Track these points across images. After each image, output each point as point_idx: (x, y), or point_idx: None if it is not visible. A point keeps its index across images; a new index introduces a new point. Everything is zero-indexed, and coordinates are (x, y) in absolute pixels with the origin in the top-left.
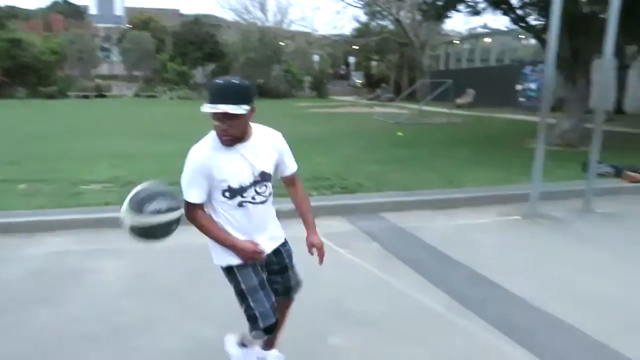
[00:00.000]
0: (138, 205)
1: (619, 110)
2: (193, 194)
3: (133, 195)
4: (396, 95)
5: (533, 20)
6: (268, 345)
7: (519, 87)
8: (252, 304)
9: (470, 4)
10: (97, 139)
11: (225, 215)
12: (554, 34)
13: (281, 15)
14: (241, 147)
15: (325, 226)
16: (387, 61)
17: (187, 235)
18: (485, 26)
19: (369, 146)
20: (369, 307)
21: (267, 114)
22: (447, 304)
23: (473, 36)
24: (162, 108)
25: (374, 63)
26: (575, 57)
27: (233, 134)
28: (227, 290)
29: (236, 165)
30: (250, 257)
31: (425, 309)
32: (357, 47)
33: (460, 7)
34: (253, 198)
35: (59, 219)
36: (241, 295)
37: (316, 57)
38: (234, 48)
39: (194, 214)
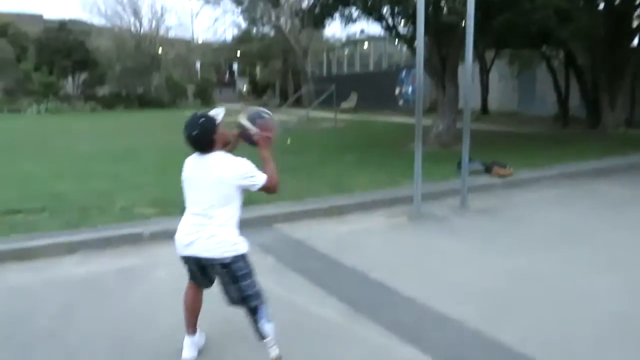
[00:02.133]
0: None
1: (484, 110)
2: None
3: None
4: (283, 102)
5: (402, 29)
6: (193, 328)
7: (397, 90)
8: (256, 281)
9: (345, 12)
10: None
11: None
12: (421, 42)
13: (157, 22)
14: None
15: None
16: (271, 67)
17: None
18: (362, 32)
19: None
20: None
21: (147, 125)
22: (343, 312)
23: (352, 42)
24: (28, 122)
25: (258, 69)
26: (444, 63)
27: None
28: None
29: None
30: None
31: (321, 319)
32: (240, 54)
33: (336, 15)
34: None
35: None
36: (251, 275)
37: (198, 65)
38: (107, 56)
39: (267, 184)
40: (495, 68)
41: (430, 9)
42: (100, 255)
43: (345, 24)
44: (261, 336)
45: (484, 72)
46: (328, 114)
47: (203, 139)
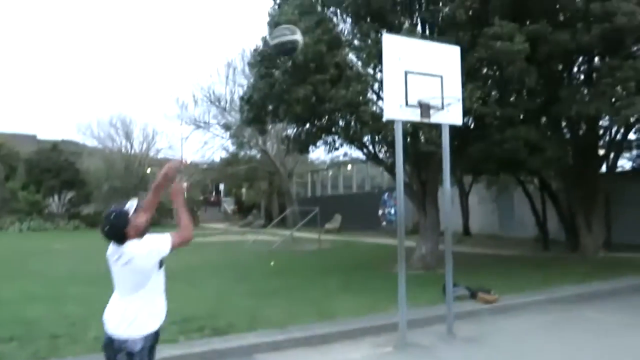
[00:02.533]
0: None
1: (466, 232)
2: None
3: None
4: (267, 222)
5: (383, 155)
6: None
7: (380, 212)
8: None
9: (329, 140)
10: None
11: None
12: (400, 169)
13: (147, 144)
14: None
15: None
16: (257, 188)
17: None
18: (345, 155)
19: (243, 277)
20: None
21: None
22: None
23: (335, 164)
24: (9, 241)
25: (244, 190)
26: (424, 187)
27: None
28: None
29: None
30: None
31: None
32: (226, 175)
33: (320, 142)
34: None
35: None
36: None
37: (185, 185)
38: (96, 175)
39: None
40: (474, 191)
41: (408, 139)
42: None
43: (329, 151)
44: None
45: (464, 196)
46: (312, 235)
47: (115, 233)
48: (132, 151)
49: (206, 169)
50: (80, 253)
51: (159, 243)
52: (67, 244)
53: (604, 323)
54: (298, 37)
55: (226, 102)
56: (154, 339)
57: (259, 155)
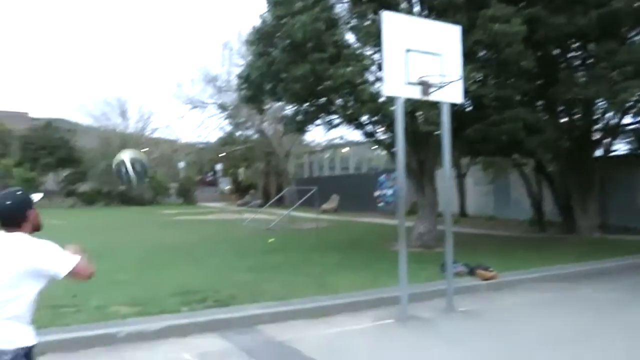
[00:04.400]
0: None
1: (462, 213)
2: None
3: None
4: (265, 202)
5: (381, 135)
6: None
7: (376, 193)
8: None
9: (327, 120)
10: None
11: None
12: (400, 148)
13: (143, 123)
14: None
15: (198, 345)
16: (254, 168)
17: None
18: (342, 137)
19: (241, 253)
20: None
21: (129, 222)
22: None
23: (332, 146)
24: None
25: (241, 170)
26: (422, 168)
27: None
28: None
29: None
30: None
31: None
32: (223, 155)
33: (318, 122)
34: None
35: None
36: None
37: (182, 164)
38: (92, 154)
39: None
40: (470, 173)
41: (406, 118)
42: (72, 358)
43: (327, 130)
44: None
45: (460, 177)
46: (310, 215)
47: (16, 211)
48: (128, 130)
49: (202, 149)
50: (77, 230)
51: (58, 254)
52: (65, 221)
53: (599, 300)
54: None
55: (223, 82)
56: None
57: (256, 136)
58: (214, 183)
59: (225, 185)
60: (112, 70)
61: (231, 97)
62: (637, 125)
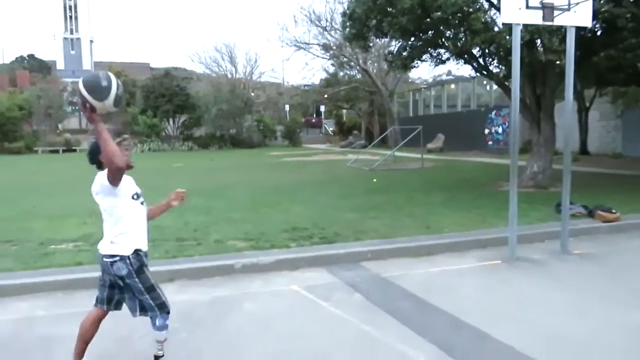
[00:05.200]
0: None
1: (583, 151)
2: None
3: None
4: (368, 142)
5: (495, 68)
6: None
7: (486, 130)
8: (160, 294)
9: (434, 54)
10: (66, 195)
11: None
12: (516, 82)
13: (250, 67)
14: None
15: (306, 278)
16: (357, 109)
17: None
18: (449, 73)
19: (345, 193)
20: None
21: (240, 164)
22: (434, 355)
23: (438, 83)
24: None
25: (344, 111)
26: (538, 102)
27: None
28: None
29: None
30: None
31: None
32: (327, 96)
33: (425, 57)
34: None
35: (26, 282)
36: (151, 289)
37: (287, 107)
38: (205, 100)
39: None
40: (595, 107)
41: (524, 48)
42: (196, 285)
43: (435, 66)
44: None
45: (583, 111)
46: (414, 155)
47: (91, 159)
48: (237, 75)
49: (307, 91)
50: (196, 170)
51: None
52: (184, 163)
53: None
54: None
55: (326, 21)
56: (136, 261)
57: (359, 75)
58: (318, 125)
59: (329, 127)
60: (221, 18)
61: (335, 37)
62: None
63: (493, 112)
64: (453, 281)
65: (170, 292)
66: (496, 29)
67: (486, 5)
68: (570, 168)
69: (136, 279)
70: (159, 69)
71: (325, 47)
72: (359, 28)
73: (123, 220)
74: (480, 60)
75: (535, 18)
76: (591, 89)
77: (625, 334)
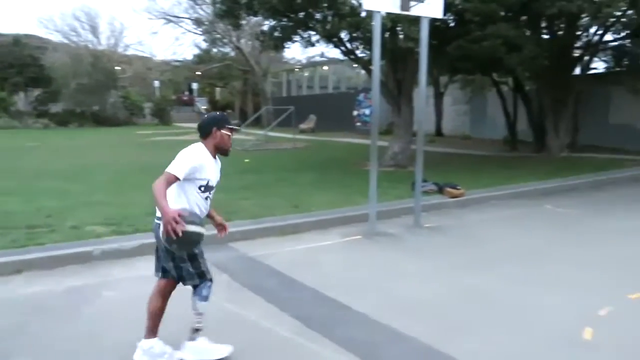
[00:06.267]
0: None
1: (438, 133)
2: (180, 171)
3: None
4: (242, 122)
5: (361, 53)
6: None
7: (355, 112)
8: (201, 264)
9: (305, 36)
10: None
11: (196, 201)
12: (377, 66)
13: (115, 39)
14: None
15: None
16: (231, 87)
17: None
18: (322, 55)
19: None
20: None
21: (103, 143)
22: (297, 329)
23: (311, 64)
24: None
25: (218, 89)
26: (399, 87)
27: None
28: None
29: (217, 172)
30: (168, 222)
31: (276, 336)
32: (199, 73)
33: (296, 38)
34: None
35: None
36: (193, 258)
37: (156, 83)
38: (62, 72)
39: (164, 182)
40: (448, 92)
41: (386, 34)
42: (49, 275)
43: (305, 47)
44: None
45: (438, 97)
46: (287, 135)
47: (204, 125)
48: (100, 47)
49: (178, 67)
50: (53, 150)
51: (177, 160)
52: (40, 142)
53: (562, 215)
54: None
55: None
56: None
57: (232, 53)
58: (190, 103)
59: (202, 105)
60: None
61: (207, 11)
62: (618, 42)
63: (361, 95)
64: (317, 257)
65: (17, 285)
66: (363, 14)
67: None
68: (425, 148)
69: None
70: (6, 36)
71: (197, 22)
72: (230, 5)
73: None
74: (348, 44)
75: (394, 7)
76: (445, 75)
77: (459, 294)
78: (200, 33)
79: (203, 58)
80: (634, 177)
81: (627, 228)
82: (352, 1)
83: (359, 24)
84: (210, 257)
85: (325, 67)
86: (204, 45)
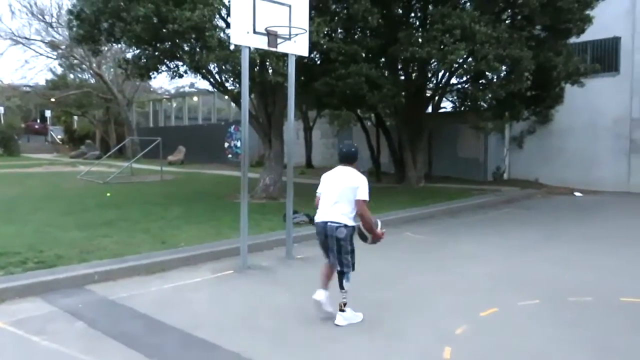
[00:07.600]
0: None
1: (309, 164)
2: (368, 196)
3: None
4: (104, 153)
5: (230, 85)
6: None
7: (226, 144)
8: (354, 257)
9: (172, 66)
10: None
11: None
12: (245, 99)
13: None
14: None
15: (15, 312)
16: (90, 116)
17: None
18: (192, 85)
19: (71, 210)
20: None
21: None
22: None
23: (180, 95)
24: None
25: (75, 117)
26: (269, 120)
27: None
28: None
29: None
30: (379, 238)
31: None
32: (53, 100)
33: (163, 68)
34: None
35: None
36: (351, 252)
37: (1, 109)
38: None
39: (367, 208)
40: (317, 126)
41: (256, 68)
42: None
43: (172, 77)
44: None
45: (308, 130)
46: (154, 167)
47: (354, 154)
48: None
49: (28, 92)
50: None
51: (359, 183)
52: None
53: (420, 242)
54: None
55: (52, 17)
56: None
57: (92, 80)
58: (43, 132)
59: (57, 135)
60: None
61: (63, 35)
62: (461, 86)
63: (232, 127)
64: (186, 296)
65: None
66: (232, 47)
67: (222, 24)
68: (296, 180)
69: (348, 242)
70: None
71: (52, 45)
72: (88, 29)
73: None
74: (217, 76)
75: (261, 43)
76: (314, 110)
77: (326, 325)
78: (55, 57)
79: (58, 84)
80: (479, 204)
81: (473, 252)
82: (220, 35)
83: (228, 58)
84: (63, 304)
85: (195, 98)
86: (59, 70)
